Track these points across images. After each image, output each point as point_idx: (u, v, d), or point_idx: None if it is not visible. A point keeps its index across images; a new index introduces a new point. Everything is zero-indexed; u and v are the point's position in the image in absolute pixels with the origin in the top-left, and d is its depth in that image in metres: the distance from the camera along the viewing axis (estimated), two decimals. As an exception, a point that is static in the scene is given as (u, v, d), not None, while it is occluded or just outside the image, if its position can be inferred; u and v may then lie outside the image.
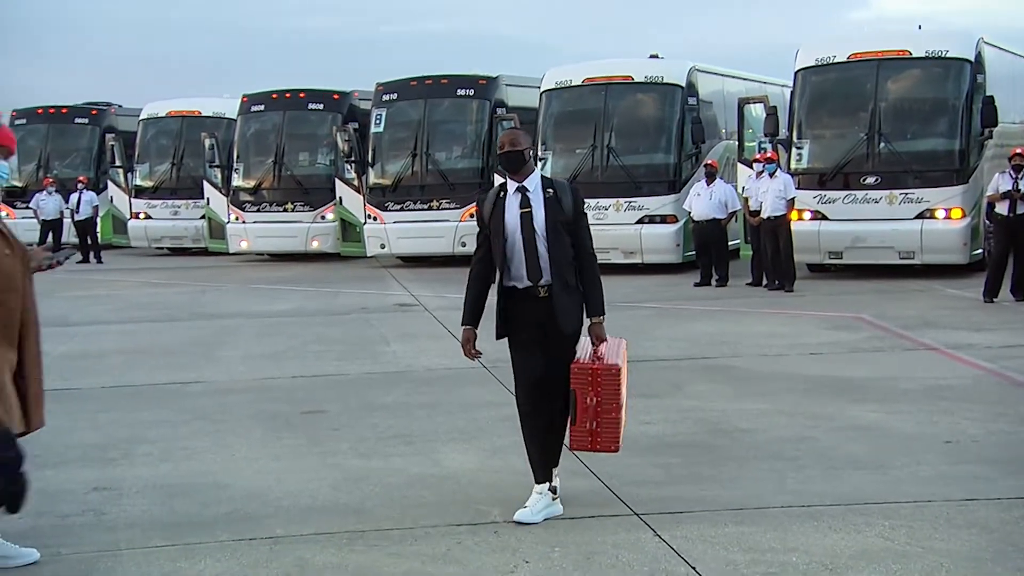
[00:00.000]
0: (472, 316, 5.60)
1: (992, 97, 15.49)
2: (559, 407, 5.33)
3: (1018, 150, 13.33)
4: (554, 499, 5.42)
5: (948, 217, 15.44)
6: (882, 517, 5.24)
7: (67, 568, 4.88)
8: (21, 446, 4.85)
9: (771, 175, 15.05)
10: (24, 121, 26.93)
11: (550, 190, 5.38)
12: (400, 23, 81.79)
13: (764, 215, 15.07)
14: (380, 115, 20.57)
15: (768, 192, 14.99)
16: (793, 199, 15.05)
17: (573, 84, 18.58)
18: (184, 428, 7.61)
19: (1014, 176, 13.12)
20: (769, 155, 15.52)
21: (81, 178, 24.10)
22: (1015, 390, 8.38)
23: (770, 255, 15.23)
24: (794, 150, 16.22)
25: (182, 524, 5.43)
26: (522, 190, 5.39)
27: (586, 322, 5.44)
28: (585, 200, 5.54)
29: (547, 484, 5.42)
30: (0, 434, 4.74)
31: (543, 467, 5.43)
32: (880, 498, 5.56)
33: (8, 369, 4.85)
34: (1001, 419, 7.31)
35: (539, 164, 18.49)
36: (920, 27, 17.24)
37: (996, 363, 9.25)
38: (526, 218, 5.34)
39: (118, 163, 25.31)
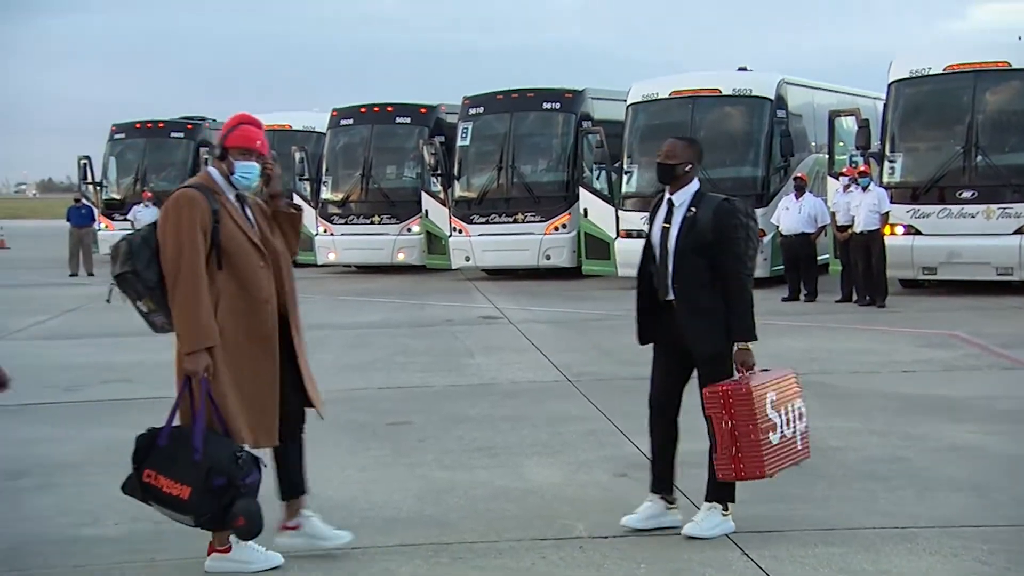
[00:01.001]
0: (639, 334, 5.53)
1: (1095, 109, 15.01)
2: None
3: None
4: (725, 515, 5.28)
5: (1049, 232, 14.98)
6: (980, 541, 5.08)
7: (161, 574, 4.98)
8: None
9: (864, 189, 14.78)
10: (123, 135, 27.75)
11: (694, 208, 5.24)
12: (488, 37, 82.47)
13: (857, 229, 14.79)
14: (466, 128, 20.72)
15: (861, 206, 14.72)
16: (887, 213, 14.75)
17: (660, 97, 18.49)
18: (273, 437, 7.70)
19: None
20: (862, 168, 15.23)
21: (145, 194, 24.67)
22: (1121, 412, 8.07)
23: (861, 270, 14.94)
24: (887, 163, 15.91)
25: (272, 532, 5.49)
26: (670, 204, 5.34)
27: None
28: (739, 220, 5.21)
29: (660, 496, 5.36)
30: (245, 459, 4.72)
31: (661, 478, 5.37)
32: (978, 521, 5.39)
33: (266, 382, 4.82)
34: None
35: (624, 177, 18.44)
36: (1021, 38, 16.77)
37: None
38: (665, 233, 5.31)
39: (211, 176, 25.82)
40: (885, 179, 15.85)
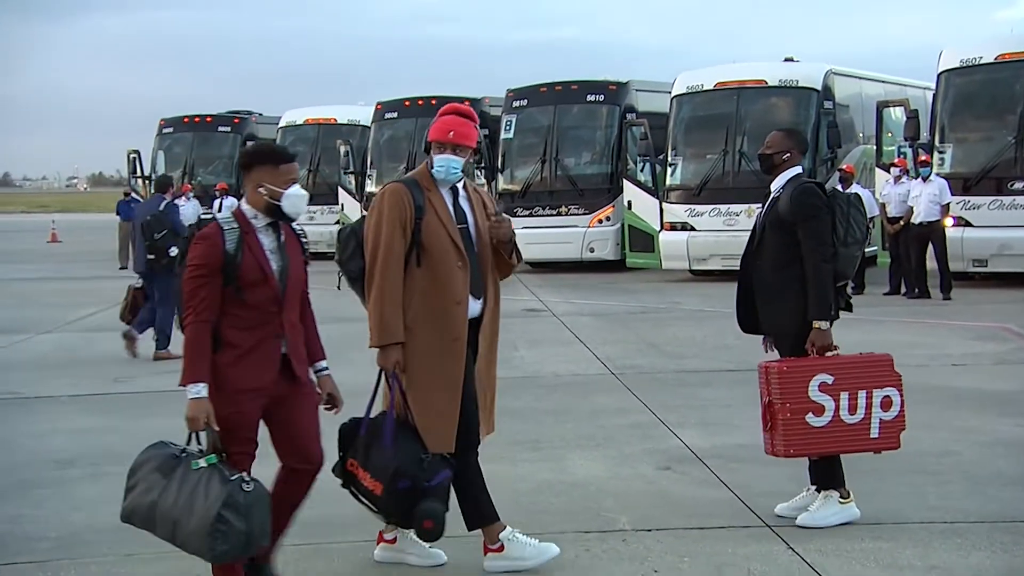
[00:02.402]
0: (738, 321, 5.60)
1: None
2: None
3: None
4: (843, 502, 5.25)
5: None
6: (1031, 537, 5.00)
7: (189, 567, 5.02)
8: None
9: (925, 179, 14.57)
10: (171, 130, 28.06)
11: (782, 191, 5.32)
12: (531, 30, 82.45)
13: (916, 220, 14.59)
14: (510, 121, 20.72)
15: (922, 196, 14.52)
16: (948, 204, 14.52)
17: (705, 88, 18.36)
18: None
19: None
20: (923, 158, 14.99)
21: (220, 185, 24.91)
22: None
23: (914, 262, 14.73)
24: (936, 154, 15.68)
25: (315, 524, 5.53)
26: (769, 191, 5.44)
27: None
28: (817, 200, 5.21)
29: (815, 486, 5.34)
30: (431, 460, 4.61)
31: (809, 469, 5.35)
32: (1029, 517, 5.31)
33: (448, 386, 4.69)
34: None
35: (669, 169, 18.33)
36: (1075, 25, 16.46)
37: None
38: (759, 217, 5.45)
39: (254, 171, 26.05)
40: (935, 170, 15.62)
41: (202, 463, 4.00)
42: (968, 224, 15.10)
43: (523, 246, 19.50)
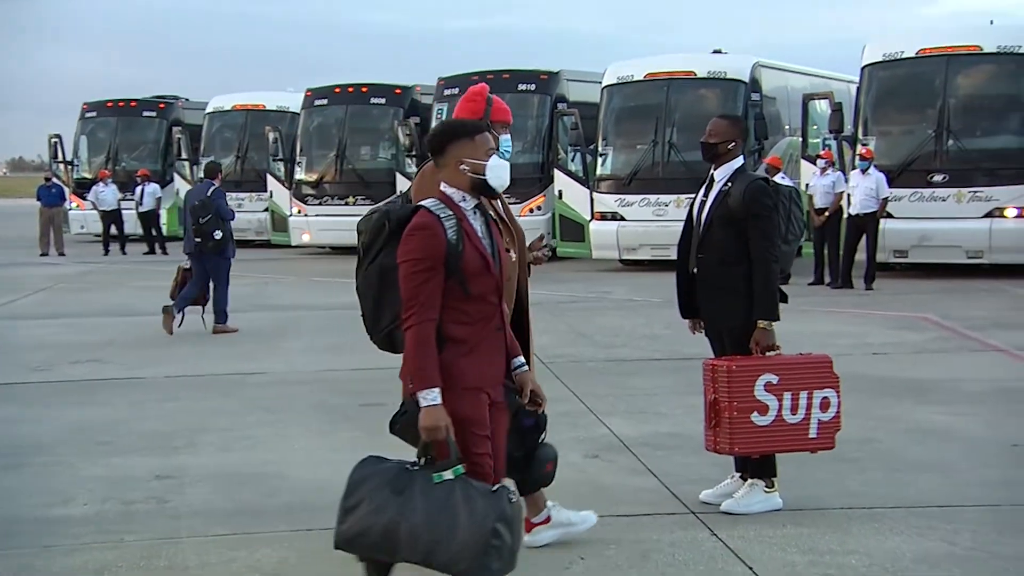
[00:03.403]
0: (680, 308, 5.65)
1: (1068, 93, 15.14)
2: None
3: None
4: (768, 491, 5.35)
5: (1019, 216, 15.13)
6: (945, 521, 5.15)
7: (131, 554, 4.97)
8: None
9: (864, 172, 14.81)
10: (94, 114, 27.52)
11: (730, 183, 5.34)
12: (465, 18, 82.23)
13: (852, 211, 14.83)
14: (441, 109, 20.63)
15: (859, 188, 14.77)
16: (886, 198, 14.78)
17: (635, 79, 18.49)
18: (247, 418, 7.71)
19: None
20: (863, 152, 15.23)
21: (141, 171, 24.48)
22: (1086, 394, 8.17)
23: (845, 251, 14.98)
24: (859, 147, 16.00)
25: (242, 513, 5.50)
26: (712, 179, 5.46)
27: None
28: (770, 200, 5.28)
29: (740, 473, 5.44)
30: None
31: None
32: (944, 501, 5.46)
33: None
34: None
35: (599, 159, 18.44)
36: (992, 22, 16.89)
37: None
38: (701, 206, 5.44)
39: (184, 156, 25.71)
40: (858, 163, 15.93)
41: (447, 475, 3.62)
42: (890, 216, 15.42)
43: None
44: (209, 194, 11.61)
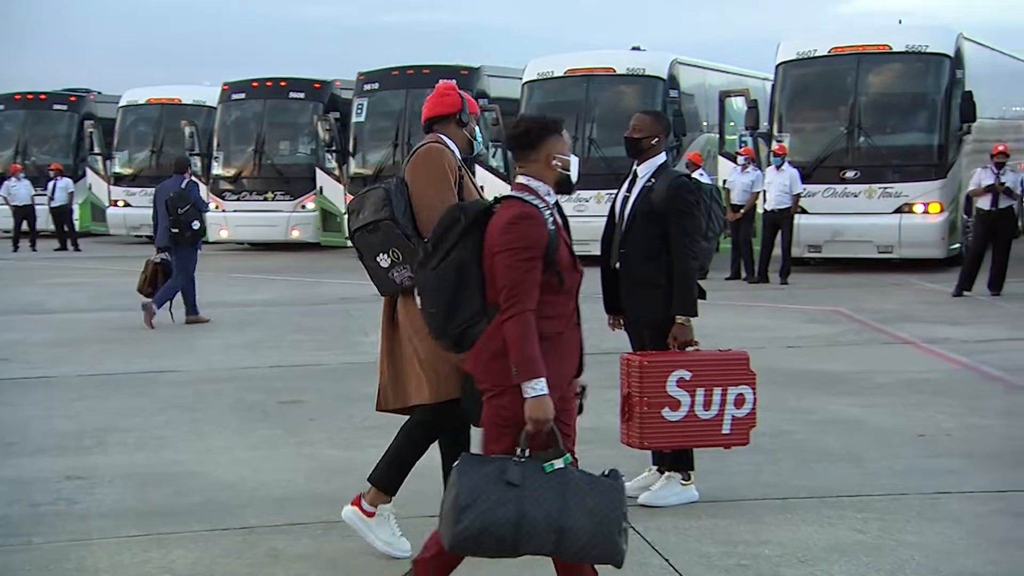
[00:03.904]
0: (604, 303, 5.62)
1: (971, 93, 15.58)
2: None
3: (1000, 147, 13.43)
4: (684, 484, 5.43)
5: (926, 211, 15.54)
6: (855, 510, 5.27)
7: (39, 557, 4.85)
8: None
9: (779, 168, 15.05)
10: (2, 107, 26.76)
11: (654, 179, 5.36)
12: (389, 13, 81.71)
13: (768, 207, 15.06)
14: (362, 104, 20.51)
15: (773, 184, 15.00)
16: (799, 194, 15.03)
17: (555, 75, 18.57)
18: (160, 417, 7.57)
19: (996, 171, 13.22)
20: (777, 148, 15.47)
21: (54, 166, 23.88)
22: (989, 384, 8.43)
23: (763, 246, 15.23)
24: (774, 143, 16.28)
25: (155, 513, 5.40)
26: (635, 175, 5.46)
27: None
28: (693, 197, 5.33)
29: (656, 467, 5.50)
30: None
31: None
32: (854, 491, 5.59)
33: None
34: (974, 413, 7.36)
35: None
36: (900, 22, 17.33)
37: (971, 357, 9.31)
38: (624, 202, 5.46)
39: (97, 150, 25.14)
40: (772, 159, 16.22)
41: (559, 464, 3.59)
42: (804, 211, 15.73)
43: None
44: (184, 186, 11.95)
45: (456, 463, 3.67)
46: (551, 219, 3.76)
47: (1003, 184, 13.14)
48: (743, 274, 15.58)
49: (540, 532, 3.53)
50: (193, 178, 12.23)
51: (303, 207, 21.89)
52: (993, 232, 13.23)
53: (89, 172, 25.63)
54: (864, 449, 6.43)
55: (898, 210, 15.52)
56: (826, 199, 15.79)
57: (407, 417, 4.89)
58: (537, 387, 3.61)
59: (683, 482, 5.43)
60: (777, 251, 15.29)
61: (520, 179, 3.85)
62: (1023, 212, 16.16)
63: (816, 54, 16.35)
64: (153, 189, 24.15)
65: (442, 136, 4.87)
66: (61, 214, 23.37)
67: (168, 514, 5.39)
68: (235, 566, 4.71)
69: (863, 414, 7.35)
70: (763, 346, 9.95)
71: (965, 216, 15.79)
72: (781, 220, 15.04)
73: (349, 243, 20.37)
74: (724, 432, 5.31)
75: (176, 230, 11.79)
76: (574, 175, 3.87)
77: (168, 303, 11.99)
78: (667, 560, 4.68)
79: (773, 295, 13.92)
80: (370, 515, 4.77)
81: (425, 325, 3.96)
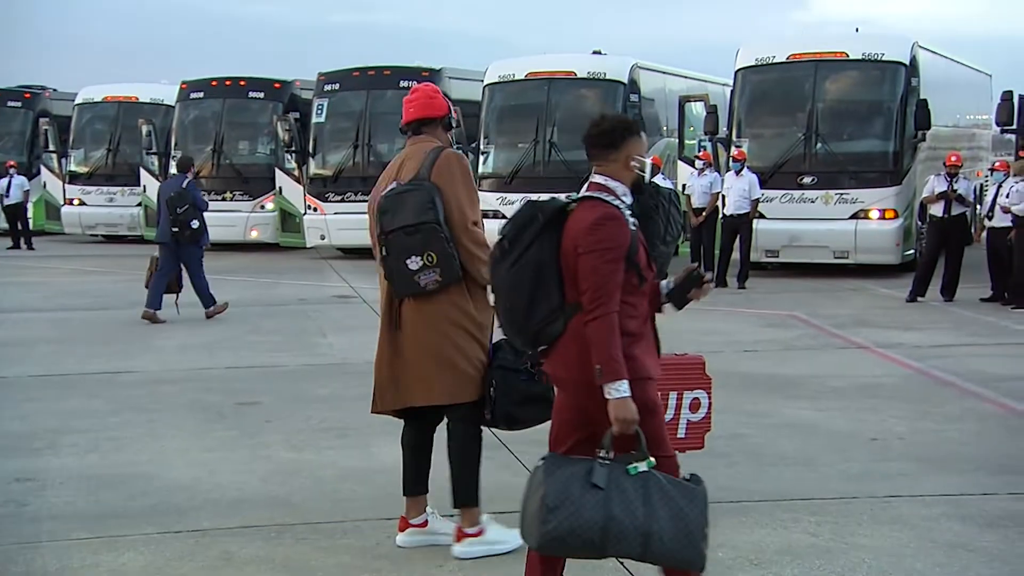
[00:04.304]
0: None
1: (926, 100, 15.78)
2: None
3: (952, 158, 13.64)
4: None
5: (882, 218, 15.72)
6: (808, 513, 5.32)
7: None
8: None
9: (738, 173, 15.15)
10: (-45, 104, 26.33)
11: None
12: (349, 13, 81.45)
13: (728, 212, 15.15)
14: (322, 105, 20.40)
15: (732, 190, 15.10)
16: (758, 199, 15.13)
17: (516, 78, 18.58)
18: (114, 418, 7.49)
19: (948, 179, 13.42)
20: (736, 154, 15.55)
21: (10, 163, 23.57)
22: (941, 389, 8.55)
23: (722, 251, 15.33)
24: (733, 148, 16.40)
25: (107, 516, 5.35)
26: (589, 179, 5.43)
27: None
28: (655, 201, 5.32)
29: None
30: None
31: None
32: (807, 494, 5.64)
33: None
34: (926, 417, 7.45)
35: (481, 157, 18.50)
36: (857, 30, 17.52)
37: (924, 362, 9.43)
38: None
39: (52, 148, 24.82)
40: (731, 164, 16.34)
41: (642, 467, 3.61)
42: (762, 216, 15.85)
43: (335, 232, 19.34)
44: (184, 186, 12.26)
45: (541, 463, 3.69)
46: (631, 220, 3.82)
47: (956, 191, 13.35)
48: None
49: (627, 536, 3.54)
50: (197, 178, 12.86)
51: (262, 207, 21.74)
52: (946, 239, 13.43)
53: (44, 170, 25.30)
54: (818, 453, 6.50)
55: (854, 216, 15.68)
56: (783, 204, 15.92)
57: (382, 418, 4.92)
58: (621, 388, 3.62)
59: None
60: (736, 255, 15.40)
61: (597, 179, 3.90)
62: (975, 219, 16.42)
63: (774, 60, 16.49)
64: (108, 188, 24.16)
65: (434, 139, 4.86)
66: (16, 212, 23.04)
67: (120, 516, 5.34)
68: (187, 569, 4.67)
69: (817, 418, 7.43)
70: (720, 350, 10.02)
71: (919, 223, 15.99)
72: (740, 225, 15.15)
73: (309, 244, 20.09)
74: (679, 436, 5.34)
75: (176, 229, 12.09)
76: (649, 176, 3.96)
77: (175, 296, 12.25)
78: (621, 563, 4.69)
79: (731, 299, 14.02)
80: (479, 534, 4.80)
81: (484, 322, 4.17)
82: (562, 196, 3.91)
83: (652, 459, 3.65)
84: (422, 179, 4.72)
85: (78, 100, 24.91)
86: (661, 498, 3.57)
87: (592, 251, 3.69)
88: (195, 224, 12.18)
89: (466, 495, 4.80)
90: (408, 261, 4.67)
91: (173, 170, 22.00)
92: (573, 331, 3.74)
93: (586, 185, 3.95)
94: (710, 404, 5.36)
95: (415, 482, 4.90)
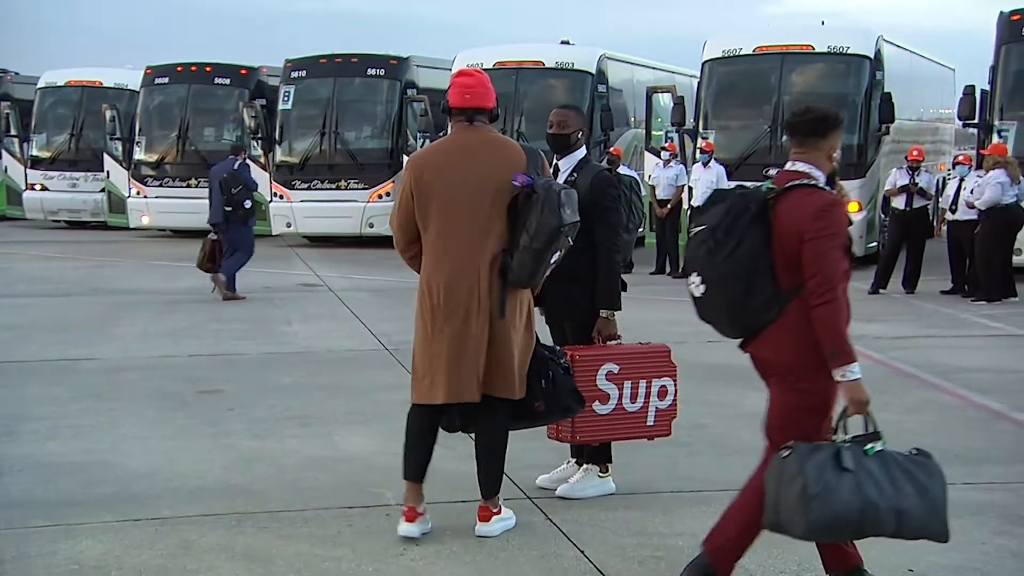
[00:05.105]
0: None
1: (890, 94, 15.92)
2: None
3: (914, 152, 13.77)
4: (602, 476, 5.49)
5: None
6: (768, 502, 5.34)
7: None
8: None
9: (705, 165, 15.20)
10: (-88, 87, 25.93)
11: (576, 174, 5.32)
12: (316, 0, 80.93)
13: (695, 203, 15.21)
14: (288, 92, 20.28)
15: (700, 181, 15.16)
16: None
17: (484, 67, 18.48)
18: (74, 406, 7.42)
19: (911, 172, 13.55)
20: (703, 146, 15.62)
21: None
22: (902, 380, 8.63)
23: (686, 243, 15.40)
24: (700, 140, 16.46)
25: (64, 504, 5.30)
26: (556, 169, 5.40)
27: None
28: (616, 191, 5.36)
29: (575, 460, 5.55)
30: None
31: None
32: (767, 483, 5.67)
33: None
34: (887, 408, 7.47)
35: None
36: (823, 23, 17.63)
37: (885, 353, 9.52)
38: None
39: (13, 132, 24.51)
40: (698, 156, 16.40)
41: (878, 447, 3.72)
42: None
43: (301, 220, 19.24)
44: (236, 167, 12.93)
45: (788, 452, 3.77)
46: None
47: (917, 185, 13.49)
48: (668, 269, 15.73)
49: (883, 515, 3.64)
50: (246, 160, 13.49)
51: (227, 194, 21.56)
52: (907, 231, 13.56)
53: (5, 154, 24.98)
54: (779, 442, 6.53)
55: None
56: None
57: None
58: (854, 371, 3.71)
59: (600, 474, 5.48)
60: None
61: (800, 166, 3.94)
62: (937, 213, 16.58)
63: (741, 52, 16.55)
64: (71, 174, 23.87)
65: (490, 129, 4.88)
66: (-24, 197, 22.78)
67: (78, 504, 5.29)
68: (146, 556, 4.63)
69: (779, 408, 7.47)
70: (685, 340, 10.04)
71: (883, 215, 16.13)
72: None
73: (275, 232, 19.86)
74: (648, 424, 5.39)
75: (229, 208, 12.71)
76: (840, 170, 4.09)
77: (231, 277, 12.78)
78: (582, 551, 4.71)
79: (696, 290, 14.07)
80: (500, 511, 4.91)
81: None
82: (760, 185, 3.97)
83: (885, 439, 3.74)
84: (549, 178, 4.80)
85: (40, 84, 24.60)
86: (903, 475, 3.68)
87: (820, 237, 3.75)
88: (248, 204, 12.82)
89: (499, 484, 4.92)
90: (556, 255, 4.75)
91: (139, 155, 21.90)
92: (790, 317, 3.82)
93: (780, 172, 4.01)
94: (676, 391, 5.41)
95: (424, 468, 4.88)
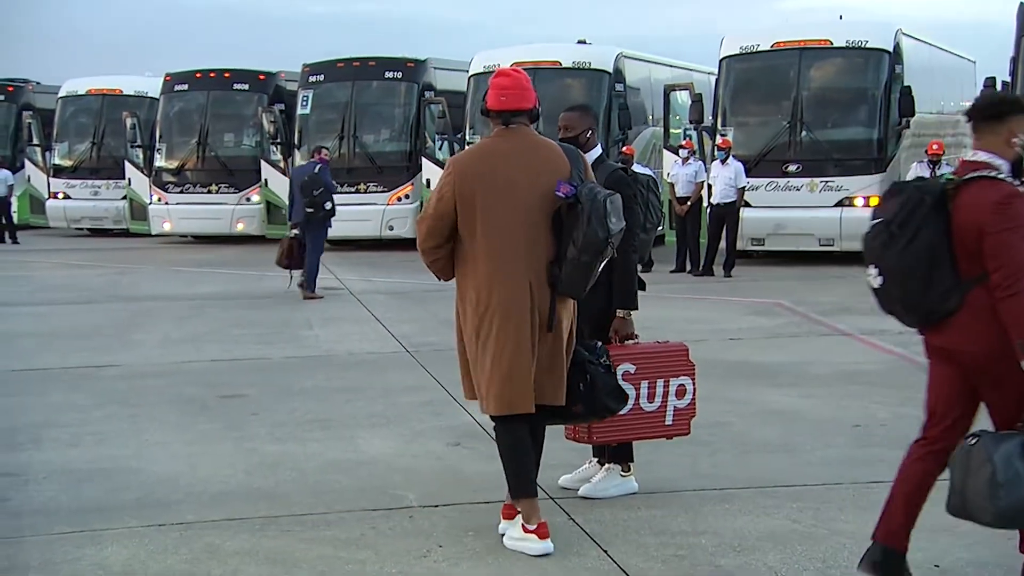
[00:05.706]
0: None
1: (909, 87, 15.82)
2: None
3: (934, 146, 13.69)
4: (624, 475, 5.47)
5: (866, 205, 15.74)
6: (790, 499, 5.34)
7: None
8: None
9: (723, 162, 15.17)
10: (-63, 97, 26.20)
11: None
12: (330, 4, 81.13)
13: (714, 201, 15.18)
14: (307, 97, 20.37)
15: (719, 179, 15.13)
16: (744, 187, 15.17)
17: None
18: (96, 412, 7.46)
19: (931, 166, 13.48)
20: (721, 143, 15.59)
21: None
22: (923, 375, 8.53)
23: (710, 240, 15.37)
24: (718, 137, 16.42)
25: (89, 510, 5.33)
26: None
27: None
28: (633, 190, 5.33)
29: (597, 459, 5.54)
30: None
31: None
32: (789, 481, 5.66)
33: None
34: (908, 403, 7.45)
35: (467, 147, 18.48)
36: (841, 17, 17.54)
37: (907, 348, 9.44)
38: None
39: (36, 141, 24.74)
40: (716, 153, 16.36)
41: None
42: (747, 204, 15.88)
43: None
44: (316, 171, 13.33)
45: (975, 440, 3.82)
46: None
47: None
48: (688, 267, 15.70)
49: None
50: (325, 164, 13.75)
51: (248, 200, 21.70)
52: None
53: (28, 164, 25.20)
54: (800, 439, 6.52)
55: (839, 203, 15.73)
56: (769, 192, 15.97)
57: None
58: None
59: (623, 474, 5.47)
60: (722, 244, 15.43)
61: (980, 156, 3.92)
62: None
63: (758, 49, 16.50)
64: (93, 182, 24.04)
65: (532, 131, 4.82)
66: (0, 206, 22.95)
67: (103, 510, 5.32)
68: (171, 561, 4.66)
69: (800, 405, 7.45)
70: (705, 338, 10.05)
71: (904, 210, 16.03)
72: (727, 214, 15.18)
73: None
74: (667, 423, 5.38)
75: (311, 209, 13.13)
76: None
77: (290, 274, 13.38)
78: (605, 551, 4.71)
79: (717, 288, 14.05)
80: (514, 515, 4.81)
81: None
82: (940, 176, 3.96)
83: None
84: (596, 185, 4.74)
85: (62, 93, 24.82)
86: None
87: (1004, 229, 3.76)
88: (328, 205, 13.21)
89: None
90: (603, 264, 4.69)
91: (160, 162, 22.02)
92: (973, 306, 3.83)
93: (961, 162, 3.98)
94: (694, 390, 5.39)
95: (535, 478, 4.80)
